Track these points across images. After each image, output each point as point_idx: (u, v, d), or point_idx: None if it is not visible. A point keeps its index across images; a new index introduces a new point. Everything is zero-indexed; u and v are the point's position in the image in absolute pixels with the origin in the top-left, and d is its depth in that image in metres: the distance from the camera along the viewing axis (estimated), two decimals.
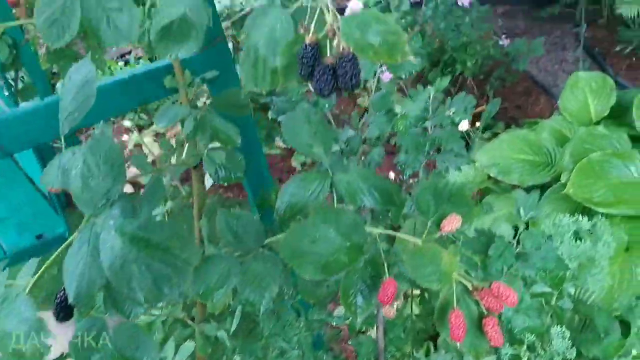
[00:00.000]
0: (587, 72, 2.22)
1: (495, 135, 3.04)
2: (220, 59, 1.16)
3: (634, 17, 2.97)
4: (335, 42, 0.67)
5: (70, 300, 0.63)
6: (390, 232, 0.89)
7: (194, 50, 0.82)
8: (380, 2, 3.93)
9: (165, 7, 0.81)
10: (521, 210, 1.12)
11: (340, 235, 0.84)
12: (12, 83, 2.75)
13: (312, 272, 0.81)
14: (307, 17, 0.69)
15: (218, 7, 3.44)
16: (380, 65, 1.36)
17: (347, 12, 3.24)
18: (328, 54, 0.67)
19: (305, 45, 0.66)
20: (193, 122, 0.97)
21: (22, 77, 2.65)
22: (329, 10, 0.67)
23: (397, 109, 1.13)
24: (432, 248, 0.79)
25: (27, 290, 0.70)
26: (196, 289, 0.96)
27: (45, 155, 1.78)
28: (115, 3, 0.84)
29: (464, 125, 1.82)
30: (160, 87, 1.07)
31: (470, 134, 2.97)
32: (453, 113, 1.27)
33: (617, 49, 3.58)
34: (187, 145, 1.01)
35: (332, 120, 1.26)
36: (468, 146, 2.67)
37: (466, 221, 0.87)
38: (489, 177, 2.11)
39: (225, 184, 1.27)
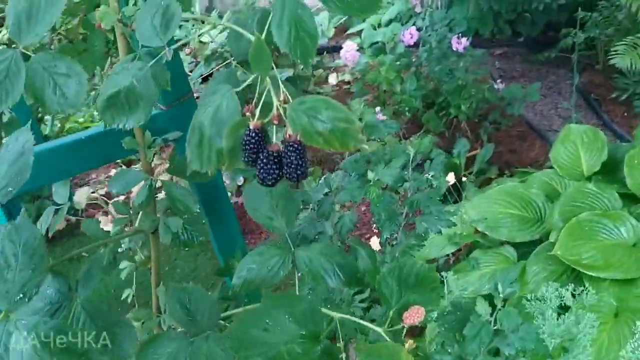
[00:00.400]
0: (579, 125, 2.17)
1: (489, 180, 2.99)
2: (187, 118, 1.11)
3: (629, 66, 2.94)
4: (284, 128, 0.62)
5: None
6: (352, 318, 0.82)
7: (141, 121, 0.76)
8: (377, 43, 3.92)
9: (113, 75, 0.76)
10: (499, 287, 1.05)
11: (295, 322, 0.78)
12: None
13: None
14: (254, 98, 0.64)
15: (212, 46, 3.42)
16: None
17: (342, 52, 3.22)
18: (274, 140, 0.62)
19: (249, 130, 0.61)
20: (147, 190, 0.91)
21: (10, 109, 2.61)
22: (275, 94, 0.61)
23: (369, 174, 1.08)
24: (389, 346, 0.72)
25: None
26: None
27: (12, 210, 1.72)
28: (63, 68, 0.80)
29: (450, 177, 1.76)
30: (121, 146, 1.02)
31: (462, 179, 2.92)
32: (432, 176, 1.22)
33: (613, 95, 3.55)
34: (141, 212, 0.95)
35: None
36: (460, 193, 2.62)
37: (433, 306, 0.81)
38: (478, 231, 2.05)
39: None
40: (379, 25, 4.12)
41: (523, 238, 1.85)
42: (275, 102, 0.61)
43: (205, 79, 3.53)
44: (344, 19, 4.65)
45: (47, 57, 0.80)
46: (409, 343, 0.79)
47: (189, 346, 0.89)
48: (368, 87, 3.90)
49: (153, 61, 0.73)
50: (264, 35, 0.62)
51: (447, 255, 2.08)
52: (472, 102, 3.37)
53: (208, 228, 1.20)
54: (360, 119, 1.17)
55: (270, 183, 0.60)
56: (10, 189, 0.73)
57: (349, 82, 4.36)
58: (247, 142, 0.60)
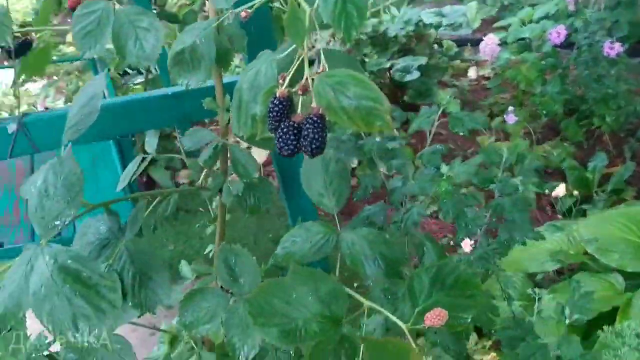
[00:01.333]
0: None
1: (621, 202, 2.71)
2: None
3: None
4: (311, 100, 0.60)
5: None
6: (380, 309, 0.79)
7: (201, 81, 0.79)
8: (523, 39, 3.68)
9: (182, 33, 0.79)
10: (566, 310, 0.95)
11: (319, 301, 0.76)
12: (144, 72, 2.97)
13: (275, 336, 0.74)
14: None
15: None
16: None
17: (482, 45, 3.07)
18: (299, 111, 0.60)
19: (275, 98, 0.60)
20: (211, 150, 0.94)
21: (156, 68, 2.85)
22: (308, 63, 0.60)
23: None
24: (396, 344, 0.68)
25: None
26: (182, 319, 0.93)
27: (124, 150, 1.87)
28: (145, 23, 0.84)
29: (560, 190, 1.61)
30: (201, 106, 1.06)
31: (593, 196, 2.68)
32: (520, 181, 1.13)
33: None
34: (205, 171, 0.99)
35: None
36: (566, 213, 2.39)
37: (466, 313, 0.75)
38: (587, 252, 1.87)
39: None
40: (530, 22, 3.85)
41: (635, 268, 1.66)
42: (306, 73, 0.59)
43: None
44: (494, 10, 4.42)
45: (133, 11, 0.85)
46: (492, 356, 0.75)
47: (227, 305, 0.92)
48: (507, 84, 3.69)
49: (216, 22, 0.75)
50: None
51: (549, 271, 1.93)
52: (619, 114, 3.06)
53: (282, 196, 1.23)
54: (444, 111, 1.11)
55: (286, 153, 0.59)
56: (79, 128, 0.80)
57: (488, 78, 4.16)
58: (271, 109, 0.59)
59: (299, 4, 0.58)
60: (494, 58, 3.22)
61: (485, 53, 3.21)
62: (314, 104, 0.58)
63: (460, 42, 4.53)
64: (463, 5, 3.73)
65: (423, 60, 3.31)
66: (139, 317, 0.84)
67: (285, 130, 0.59)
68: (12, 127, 0.94)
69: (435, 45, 4.22)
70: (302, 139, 0.58)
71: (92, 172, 2.04)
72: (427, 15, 3.44)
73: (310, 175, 0.91)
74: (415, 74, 3.23)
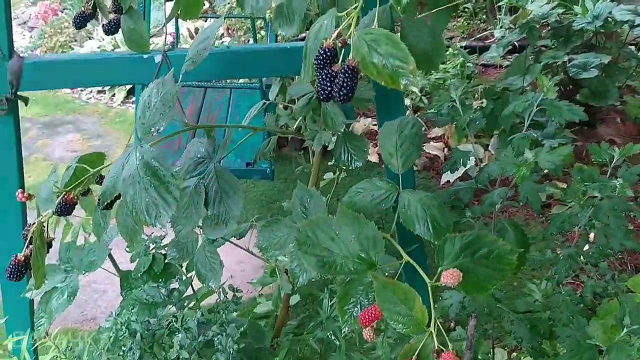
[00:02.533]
0: None
1: None
2: None
3: None
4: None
5: (98, 195, 0.82)
6: (415, 264, 0.85)
7: (294, 32, 0.90)
8: None
9: None
10: (626, 318, 0.91)
11: (359, 243, 0.85)
12: None
13: (313, 264, 0.85)
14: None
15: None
16: None
17: None
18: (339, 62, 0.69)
19: (321, 48, 0.69)
20: (306, 100, 1.05)
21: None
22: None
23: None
24: (405, 289, 0.74)
25: None
26: (260, 243, 1.08)
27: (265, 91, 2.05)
28: None
29: None
30: (286, 64, 1.15)
31: None
32: (619, 184, 1.08)
33: None
34: (299, 119, 1.10)
35: None
36: None
37: (491, 283, 0.78)
38: None
39: None
40: None
41: None
42: (352, 29, 0.67)
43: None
44: None
45: None
46: None
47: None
48: None
49: None
50: None
51: None
52: None
53: None
54: (545, 98, 1.07)
55: (322, 97, 0.68)
56: (194, 60, 0.96)
57: None
58: (317, 57, 0.68)
59: None
60: None
61: None
62: (351, 56, 0.66)
63: None
64: None
65: (605, 59, 3.06)
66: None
67: (324, 76, 0.68)
68: (158, 58, 1.14)
69: (633, 47, 3.84)
70: (334, 85, 0.67)
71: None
72: (621, 12, 3.15)
73: (385, 134, 0.98)
74: (593, 72, 3.01)
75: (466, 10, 5.07)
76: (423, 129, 0.94)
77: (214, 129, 1.04)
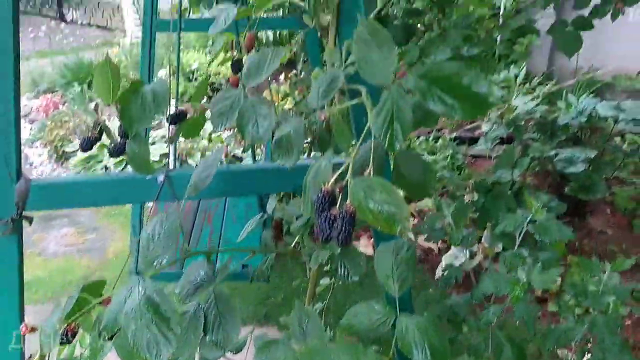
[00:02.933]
0: None
1: None
2: None
3: None
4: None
5: (100, 328, 0.83)
6: None
7: (292, 163, 0.94)
8: None
9: (283, 123, 0.96)
10: None
11: None
12: None
13: None
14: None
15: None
16: None
17: None
18: (337, 205, 0.72)
19: (320, 192, 0.73)
20: (303, 220, 1.09)
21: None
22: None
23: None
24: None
25: None
26: None
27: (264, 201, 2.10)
28: (264, 110, 1.03)
29: None
30: (284, 182, 1.19)
31: None
32: (612, 302, 1.09)
33: None
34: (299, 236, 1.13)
35: None
36: None
37: None
38: None
39: None
40: None
41: None
42: (349, 175, 0.71)
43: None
44: None
45: (255, 100, 1.04)
46: None
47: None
48: None
49: (305, 120, 0.90)
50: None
51: None
52: None
53: None
54: (533, 220, 1.11)
55: (321, 239, 0.71)
56: (197, 187, 1.00)
57: None
58: (316, 201, 0.72)
59: (345, 116, 0.71)
60: None
61: None
62: (348, 202, 0.70)
63: None
64: None
65: (592, 154, 3.16)
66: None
67: (323, 219, 0.71)
68: (160, 178, 1.18)
69: (618, 138, 3.98)
70: (333, 230, 0.70)
71: (245, 216, 2.33)
72: (604, 108, 3.30)
73: (381, 256, 1.01)
74: (580, 167, 3.10)
75: None
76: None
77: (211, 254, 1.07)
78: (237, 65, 1.42)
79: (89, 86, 5.62)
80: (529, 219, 1.10)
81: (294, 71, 6.33)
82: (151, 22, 1.90)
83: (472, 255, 3.19)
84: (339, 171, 0.74)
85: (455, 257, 2.91)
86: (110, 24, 9.74)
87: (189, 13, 3.24)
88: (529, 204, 1.12)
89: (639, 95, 5.29)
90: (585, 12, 2.40)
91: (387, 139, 0.72)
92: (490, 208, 2.94)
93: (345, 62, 1.05)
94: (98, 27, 9.89)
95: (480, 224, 3.09)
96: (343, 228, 0.69)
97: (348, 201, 0.71)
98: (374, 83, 0.76)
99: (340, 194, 0.73)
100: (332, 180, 0.73)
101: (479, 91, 0.71)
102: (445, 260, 2.46)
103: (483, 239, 3.30)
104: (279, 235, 1.80)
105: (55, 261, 3.45)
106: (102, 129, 1.17)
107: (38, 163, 4.70)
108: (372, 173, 0.72)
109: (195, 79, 5.68)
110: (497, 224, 2.99)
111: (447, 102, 0.71)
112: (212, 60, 5.75)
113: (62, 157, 4.58)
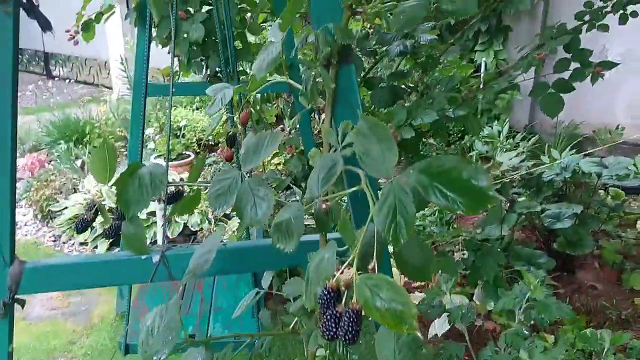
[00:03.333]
0: None
1: None
2: None
3: None
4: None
5: None
6: None
7: (292, 248, 0.94)
8: None
9: (282, 210, 0.97)
10: None
11: None
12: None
13: None
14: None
15: None
16: None
17: None
18: (342, 302, 0.72)
19: (325, 287, 0.72)
20: (301, 302, 1.08)
21: None
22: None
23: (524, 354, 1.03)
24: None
25: None
26: None
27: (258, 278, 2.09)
28: (262, 192, 1.04)
29: None
30: (280, 259, 1.18)
31: None
32: None
33: None
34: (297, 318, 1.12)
35: None
36: None
37: None
38: None
39: None
40: None
41: None
42: (353, 272, 0.71)
43: None
44: None
45: (255, 181, 1.05)
46: None
47: None
48: None
49: (306, 206, 0.91)
50: None
51: None
52: None
53: None
54: (532, 299, 1.12)
55: (327, 338, 0.70)
56: (196, 272, 0.99)
57: None
58: (321, 297, 0.72)
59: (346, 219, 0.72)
60: None
61: None
62: (354, 300, 0.70)
63: (632, 190, 4.27)
64: (629, 158, 3.57)
65: (577, 209, 3.20)
66: None
67: (328, 317, 0.71)
68: (155, 258, 1.17)
69: (602, 191, 4.04)
70: (340, 328, 0.69)
71: (235, 285, 2.31)
72: (587, 164, 3.36)
73: (382, 340, 1.00)
74: (567, 223, 3.13)
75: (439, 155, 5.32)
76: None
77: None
78: (232, 140, 1.44)
79: (76, 144, 5.62)
80: (527, 296, 1.10)
81: (281, 126, 6.40)
82: (145, 90, 1.92)
83: None
84: (343, 266, 0.74)
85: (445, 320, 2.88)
86: (97, 80, 9.83)
87: (179, 76, 3.29)
88: (526, 281, 1.13)
89: (619, 148, 5.42)
90: (566, 74, 2.48)
91: (391, 233, 0.73)
92: (480, 265, 2.94)
93: (341, 143, 1.07)
94: (85, 83, 9.98)
95: (471, 281, 3.09)
96: (350, 327, 0.69)
97: (354, 299, 0.70)
98: (376, 176, 0.77)
99: (346, 291, 0.73)
100: (338, 274, 0.73)
101: (479, 185, 0.72)
102: (437, 324, 2.44)
103: (475, 296, 3.28)
104: None
105: (40, 325, 3.36)
106: (98, 210, 1.17)
107: (23, 223, 4.63)
108: (376, 269, 0.72)
109: (183, 135, 5.71)
110: (488, 281, 2.99)
111: (449, 196, 0.72)
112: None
113: (47, 217, 4.52)
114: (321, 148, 1.17)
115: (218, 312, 2.12)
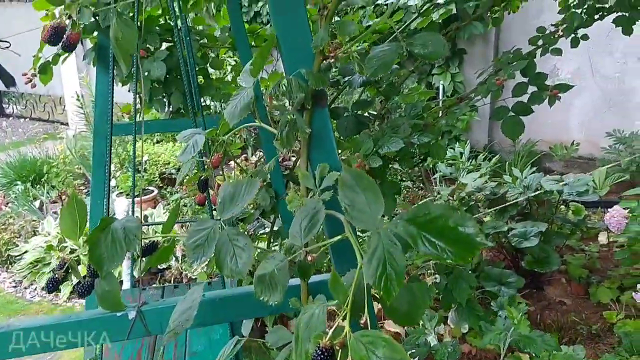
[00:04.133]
0: None
1: None
2: None
3: None
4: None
5: None
6: None
7: (277, 301, 0.92)
8: None
9: (265, 260, 0.95)
10: None
11: None
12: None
13: None
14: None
15: None
16: None
17: (607, 217, 2.99)
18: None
19: (319, 347, 0.71)
20: (286, 353, 1.05)
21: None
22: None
23: None
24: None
25: None
26: None
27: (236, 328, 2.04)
28: (241, 242, 1.01)
29: None
30: (261, 306, 1.15)
31: None
32: None
33: None
34: None
35: None
36: None
37: None
38: None
39: None
40: None
41: None
42: (347, 329, 0.70)
43: None
44: (627, 175, 4.29)
45: (233, 231, 1.03)
46: None
47: None
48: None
49: (289, 258, 0.89)
50: None
51: None
52: None
53: None
54: (517, 332, 1.12)
55: None
56: (177, 331, 0.96)
57: (622, 245, 3.95)
58: (314, 357, 0.70)
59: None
60: (620, 231, 3.09)
61: (611, 225, 3.10)
62: (349, 359, 0.68)
63: (591, 204, 4.39)
64: (588, 175, 3.68)
65: (542, 227, 3.27)
66: None
67: None
68: (132, 314, 1.13)
69: (563, 207, 4.14)
70: None
71: (210, 329, 2.25)
72: (548, 183, 3.44)
73: None
74: (534, 241, 3.19)
75: (404, 179, 5.39)
76: None
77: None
78: (204, 184, 1.41)
79: (33, 184, 5.45)
80: (511, 330, 1.10)
81: (244, 156, 6.37)
82: (110, 131, 1.87)
83: (439, 338, 3.17)
84: (335, 326, 0.72)
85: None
86: (53, 117, 9.62)
87: (142, 114, 3.23)
88: (509, 314, 1.13)
89: (575, 163, 5.58)
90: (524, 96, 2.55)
91: (382, 286, 0.72)
92: (452, 289, 2.96)
93: (319, 187, 1.06)
94: (40, 120, 9.74)
95: (445, 305, 3.10)
96: None
97: (349, 358, 0.69)
98: (364, 228, 0.76)
99: (340, 350, 0.71)
100: (331, 332, 0.72)
101: (466, 232, 0.72)
102: None
103: (449, 319, 3.30)
104: None
105: None
106: (69, 268, 1.12)
107: None
108: (369, 325, 0.71)
109: (145, 170, 5.61)
110: (460, 304, 3.01)
111: (438, 245, 0.72)
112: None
113: (7, 262, 4.35)
114: (295, 188, 1.16)
115: (193, 357, 2.06)
